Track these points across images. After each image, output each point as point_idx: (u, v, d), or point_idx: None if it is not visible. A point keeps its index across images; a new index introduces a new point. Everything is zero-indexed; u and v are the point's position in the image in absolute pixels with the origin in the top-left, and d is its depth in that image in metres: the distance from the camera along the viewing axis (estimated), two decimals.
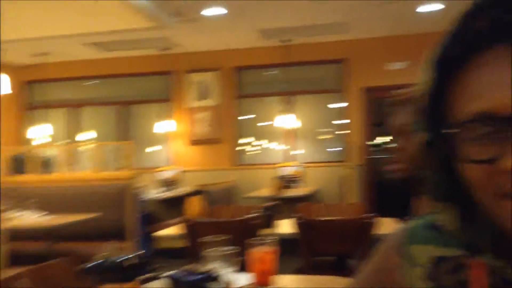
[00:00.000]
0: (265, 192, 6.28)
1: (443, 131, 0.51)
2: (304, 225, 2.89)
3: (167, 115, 7.46)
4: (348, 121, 7.16)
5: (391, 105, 1.40)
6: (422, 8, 5.82)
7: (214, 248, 1.68)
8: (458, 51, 0.51)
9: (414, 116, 0.55)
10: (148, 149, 7.79)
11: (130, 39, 6.53)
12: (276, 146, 7.48)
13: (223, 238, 1.71)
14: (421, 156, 0.55)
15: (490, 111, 0.47)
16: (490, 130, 0.48)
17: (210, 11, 5.58)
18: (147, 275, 1.59)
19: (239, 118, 7.53)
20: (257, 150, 7.57)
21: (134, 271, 1.57)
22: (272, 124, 7.39)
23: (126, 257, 1.61)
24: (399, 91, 1.38)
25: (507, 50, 0.48)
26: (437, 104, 0.54)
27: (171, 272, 1.48)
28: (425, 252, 0.62)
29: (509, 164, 0.45)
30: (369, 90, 6.93)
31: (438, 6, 5.71)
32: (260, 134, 7.55)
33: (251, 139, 7.56)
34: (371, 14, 5.95)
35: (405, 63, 6.70)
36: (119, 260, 1.59)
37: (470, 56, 0.51)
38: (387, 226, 2.94)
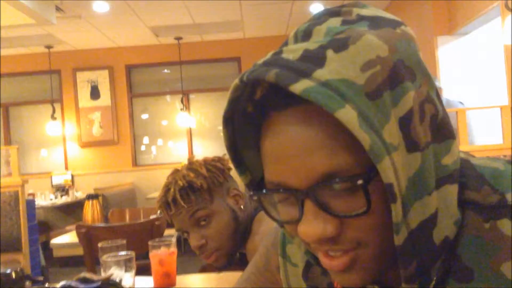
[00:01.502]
0: None
1: (251, 190, 0.53)
2: None
3: (58, 116, 7.05)
4: None
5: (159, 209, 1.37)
6: (315, 8, 5.80)
7: (111, 254, 1.64)
8: (240, 116, 0.52)
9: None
10: (42, 153, 7.33)
11: (11, 36, 6.07)
12: (176, 145, 7.40)
13: (120, 242, 1.67)
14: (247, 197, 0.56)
15: (277, 182, 0.48)
16: (283, 197, 0.50)
17: (93, 7, 5.35)
18: None
19: (136, 117, 7.34)
20: (156, 150, 7.43)
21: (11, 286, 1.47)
22: (170, 123, 7.30)
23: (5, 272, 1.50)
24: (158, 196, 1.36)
25: (280, 117, 0.47)
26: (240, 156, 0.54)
27: (64, 282, 1.40)
28: (299, 252, 0.62)
29: (301, 230, 0.46)
30: None
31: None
32: (159, 134, 7.42)
33: (149, 139, 7.40)
34: (263, 13, 6.01)
35: None
36: None
37: (259, 122, 0.51)
38: None
